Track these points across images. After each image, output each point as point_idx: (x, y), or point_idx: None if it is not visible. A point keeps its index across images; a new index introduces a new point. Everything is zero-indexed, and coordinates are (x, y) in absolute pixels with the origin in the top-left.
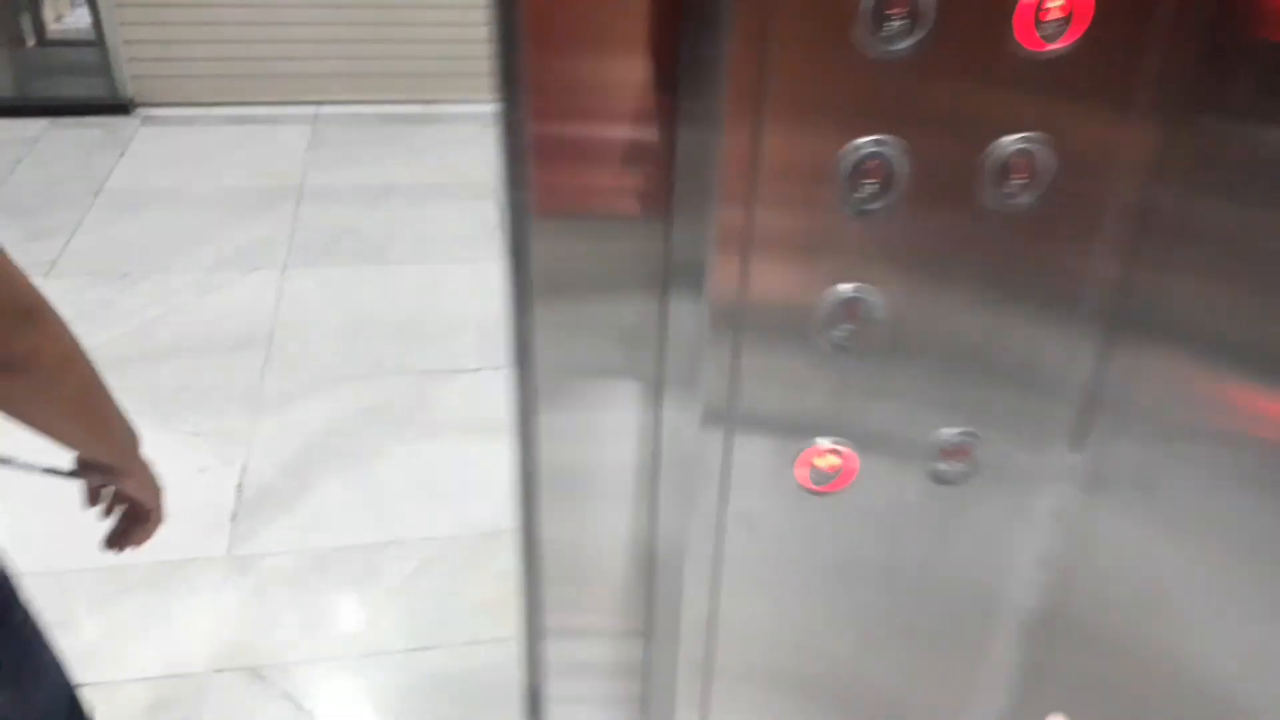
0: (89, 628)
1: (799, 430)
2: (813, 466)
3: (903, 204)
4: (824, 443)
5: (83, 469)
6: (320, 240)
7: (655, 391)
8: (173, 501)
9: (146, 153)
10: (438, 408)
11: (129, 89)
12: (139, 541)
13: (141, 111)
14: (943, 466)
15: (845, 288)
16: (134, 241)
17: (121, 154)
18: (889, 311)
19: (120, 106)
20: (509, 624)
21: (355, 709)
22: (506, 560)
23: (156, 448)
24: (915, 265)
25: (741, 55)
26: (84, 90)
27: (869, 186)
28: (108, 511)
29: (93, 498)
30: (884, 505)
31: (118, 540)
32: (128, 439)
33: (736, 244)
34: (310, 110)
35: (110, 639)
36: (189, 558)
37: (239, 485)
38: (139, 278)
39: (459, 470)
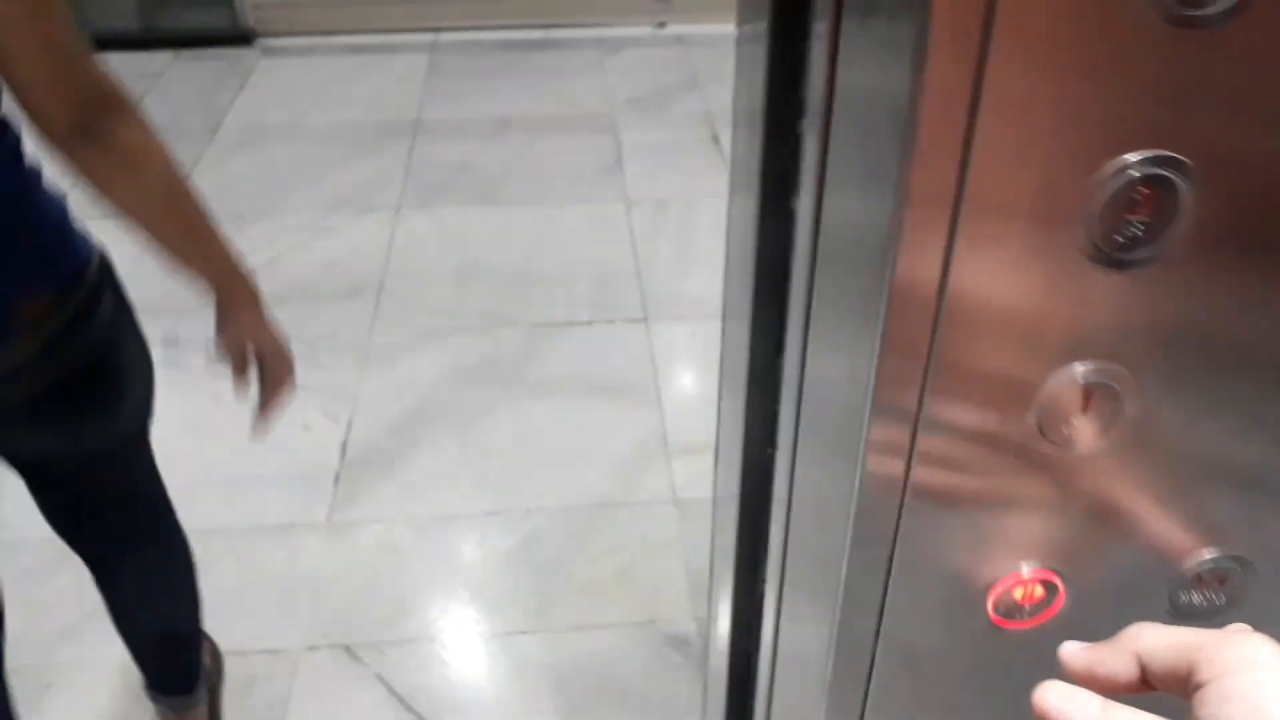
0: None
1: (996, 554)
2: (1008, 597)
3: (1180, 255)
4: (1028, 569)
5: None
6: (435, 178)
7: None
8: (276, 460)
9: (265, 86)
10: (548, 364)
11: (250, 19)
12: (276, 397)
13: (262, 43)
14: (1194, 598)
15: (1083, 368)
16: (250, 180)
17: (241, 87)
18: (1141, 402)
19: (242, 37)
20: (616, 610)
21: (448, 696)
22: (616, 536)
23: None
24: (1187, 342)
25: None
26: (207, 22)
27: (1134, 227)
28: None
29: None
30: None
31: (262, 408)
32: (228, 256)
33: (915, 297)
34: (428, 38)
35: (207, 608)
36: (289, 523)
37: (343, 444)
38: (253, 219)
39: (568, 435)
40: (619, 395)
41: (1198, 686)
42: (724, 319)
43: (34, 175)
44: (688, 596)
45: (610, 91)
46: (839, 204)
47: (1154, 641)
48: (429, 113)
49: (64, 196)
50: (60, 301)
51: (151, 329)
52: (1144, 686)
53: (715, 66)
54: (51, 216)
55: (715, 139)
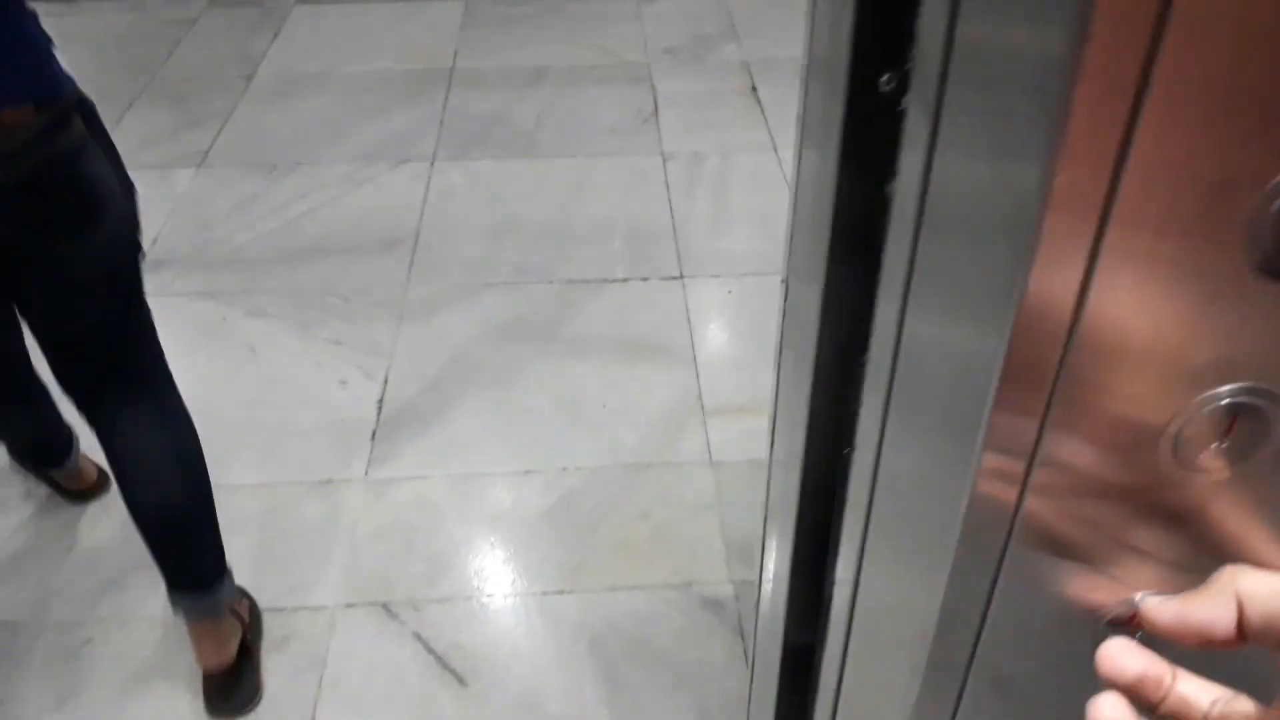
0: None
1: (1110, 583)
2: (1121, 627)
3: None
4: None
5: None
6: (469, 130)
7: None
8: (313, 416)
9: (299, 34)
10: (583, 322)
11: None
12: None
13: None
14: None
15: (1231, 390)
16: (283, 130)
17: (275, 35)
18: None
19: None
20: (652, 571)
21: (484, 654)
22: (652, 497)
23: (297, 357)
24: None
25: None
26: None
27: None
28: None
29: None
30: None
31: None
32: None
33: (1048, 312)
34: None
35: (245, 564)
36: (326, 478)
37: (380, 401)
38: (286, 170)
39: (604, 394)
40: (654, 354)
41: None
42: (787, 277)
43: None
44: (724, 560)
45: (646, 40)
46: (951, 176)
47: (1257, 585)
48: (464, 62)
49: (50, 41)
50: (36, 115)
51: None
52: (1238, 640)
53: (753, 16)
54: (35, 42)
55: (753, 90)
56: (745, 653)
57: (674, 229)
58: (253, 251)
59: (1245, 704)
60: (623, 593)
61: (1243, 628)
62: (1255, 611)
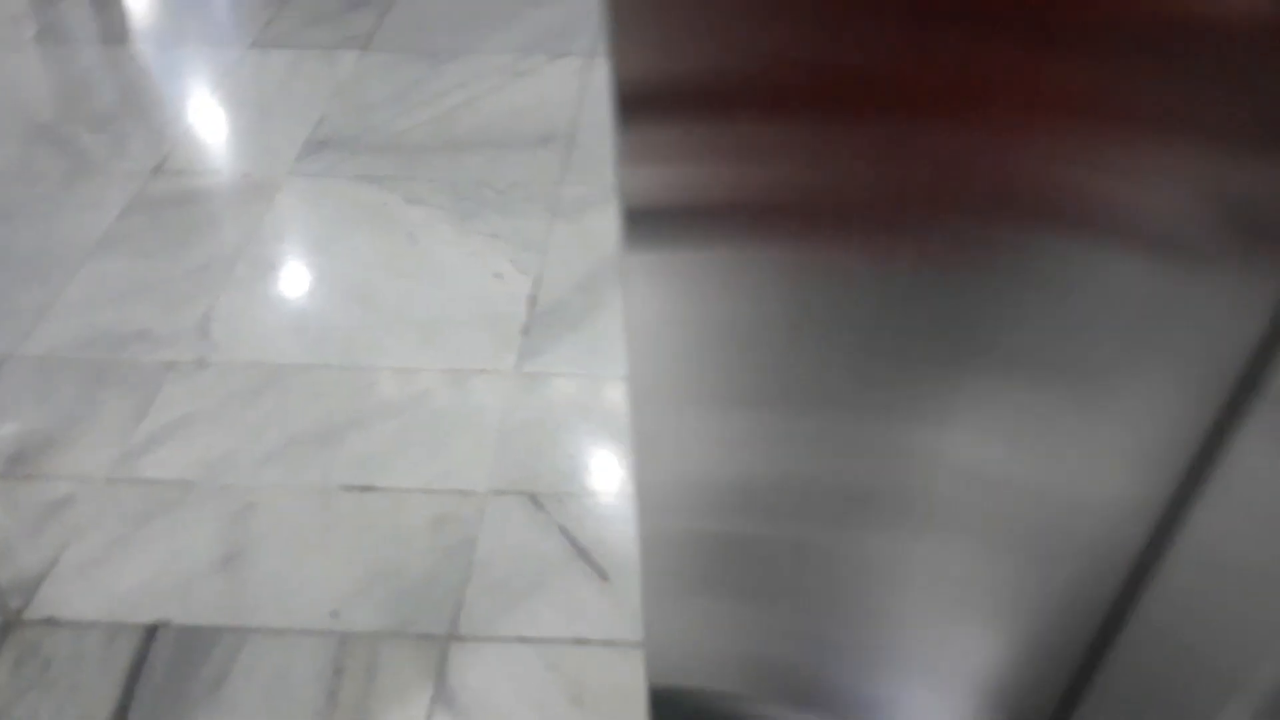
0: (382, 431)
1: None
2: None
3: None
4: None
5: None
6: None
7: None
8: (469, 306)
9: None
10: None
11: None
12: None
13: None
14: None
15: None
16: (447, 16)
17: None
18: None
19: None
20: None
21: (626, 553)
22: None
23: (455, 247)
24: None
25: None
26: None
27: None
28: None
29: None
30: None
31: None
32: None
33: None
34: None
35: (402, 445)
36: (479, 368)
37: (532, 296)
38: (447, 58)
39: None
40: None
41: None
42: None
43: None
44: None
45: None
46: None
47: None
48: None
49: None
50: None
51: None
52: None
53: None
54: None
55: None
56: None
57: None
58: (412, 139)
59: None
60: None
61: None
62: None
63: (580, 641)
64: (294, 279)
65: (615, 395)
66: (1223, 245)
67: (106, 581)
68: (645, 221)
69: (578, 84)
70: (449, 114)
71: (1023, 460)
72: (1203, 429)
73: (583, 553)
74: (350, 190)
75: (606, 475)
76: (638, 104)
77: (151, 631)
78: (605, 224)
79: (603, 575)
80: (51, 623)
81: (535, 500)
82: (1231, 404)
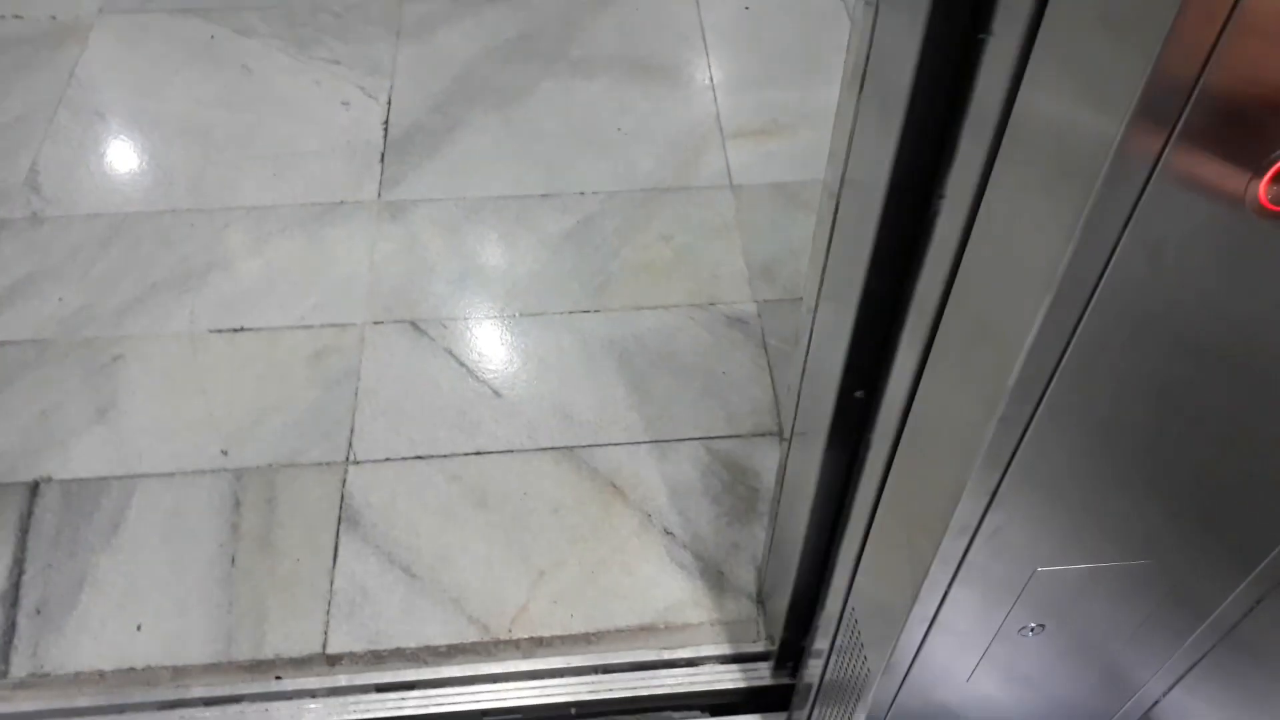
0: (246, 271)
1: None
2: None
3: None
4: None
5: None
6: None
7: None
8: (318, 137)
9: None
10: (591, 41)
11: None
12: None
13: None
14: None
15: None
16: None
17: None
18: None
19: None
20: (675, 291)
21: (515, 367)
22: (673, 220)
23: (296, 77)
24: None
25: None
26: None
27: None
28: None
29: None
30: None
31: None
32: None
33: None
34: None
35: (268, 283)
36: (340, 200)
37: (385, 122)
38: None
39: (618, 116)
40: (668, 74)
41: None
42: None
43: None
44: (746, 280)
45: None
46: None
47: None
48: None
49: None
50: None
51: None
52: None
53: None
54: None
55: None
56: (769, 366)
57: None
58: None
59: None
60: (648, 311)
61: None
62: None
63: (480, 453)
64: (123, 124)
65: (487, 216)
66: None
67: None
68: None
69: None
70: None
71: None
72: None
73: (471, 372)
74: (171, 25)
75: (487, 298)
76: None
77: (34, 488)
78: (455, 42)
79: (495, 392)
80: None
81: (416, 327)
82: None
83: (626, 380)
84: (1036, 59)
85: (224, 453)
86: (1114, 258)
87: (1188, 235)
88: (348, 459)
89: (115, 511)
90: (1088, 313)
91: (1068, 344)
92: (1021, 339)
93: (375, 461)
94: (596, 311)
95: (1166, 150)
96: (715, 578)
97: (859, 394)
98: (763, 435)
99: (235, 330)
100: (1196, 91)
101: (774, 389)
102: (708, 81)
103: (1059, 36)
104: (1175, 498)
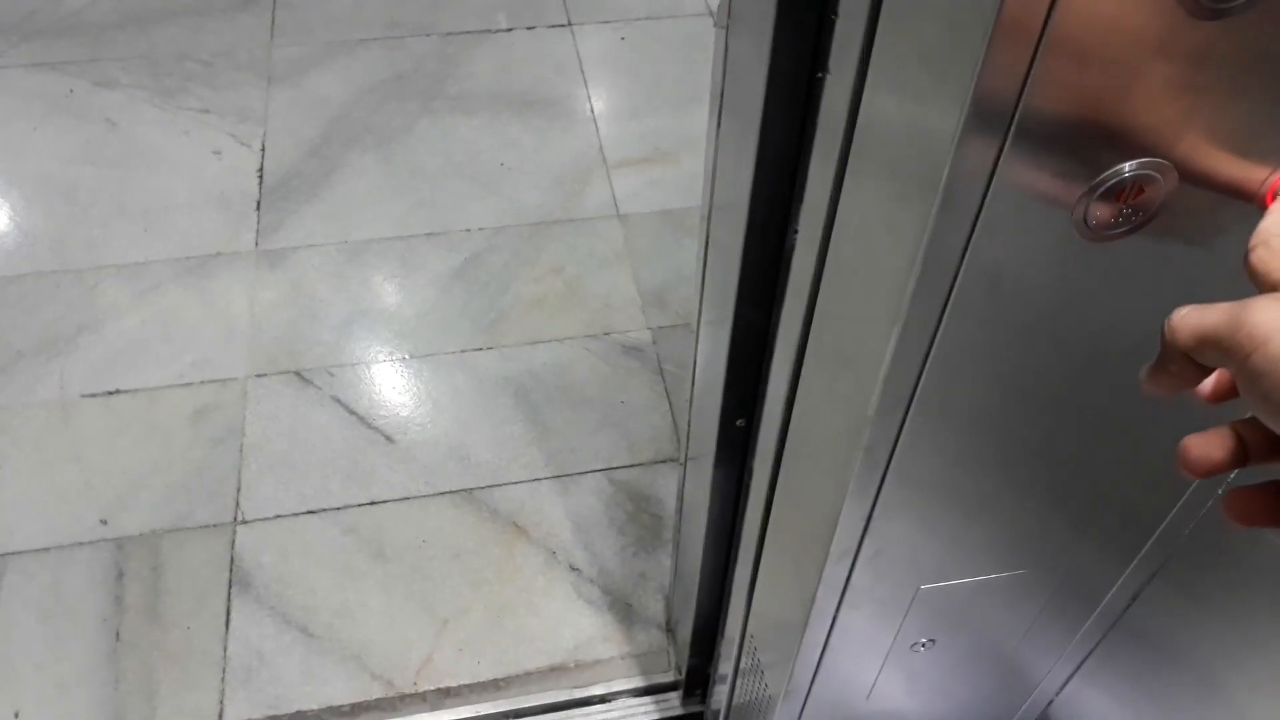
0: (118, 331)
1: (1104, 147)
2: (1107, 197)
3: None
4: (1132, 167)
5: None
6: None
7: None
8: (189, 189)
9: None
10: (469, 77)
11: None
12: None
13: None
14: None
15: None
16: None
17: None
18: None
19: None
20: (569, 323)
21: (408, 414)
22: (562, 252)
23: (163, 128)
24: None
25: None
26: None
27: None
28: None
29: None
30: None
31: None
32: None
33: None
34: None
35: (143, 343)
36: (216, 252)
37: (260, 169)
38: None
39: (500, 151)
40: (549, 108)
41: (1238, 368)
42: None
43: None
44: (640, 308)
45: None
46: None
47: (1186, 326)
48: None
49: None
50: None
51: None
52: (1201, 372)
53: None
54: None
55: None
56: (666, 392)
57: None
58: (93, 16)
59: None
60: (542, 345)
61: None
62: (1198, 355)
63: (375, 503)
64: None
65: (371, 258)
66: None
67: None
68: None
69: None
70: None
71: None
72: None
73: (362, 420)
74: (26, 81)
75: (374, 343)
76: None
77: None
78: (329, 84)
79: (388, 438)
80: None
81: (302, 376)
82: None
83: (524, 416)
84: (869, 96)
85: (103, 522)
86: (956, 285)
87: (1024, 258)
88: (236, 519)
89: None
90: (937, 340)
91: (921, 371)
92: (877, 369)
93: (265, 520)
94: (490, 349)
95: (995, 179)
96: (624, 610)
97: (740, 422)
98: (664, 462)
99: (110, 393)
100: (1018, 118)
101: (672, 415)
102: (589, 112)
103: (887, 74)
104: (1044, 507)
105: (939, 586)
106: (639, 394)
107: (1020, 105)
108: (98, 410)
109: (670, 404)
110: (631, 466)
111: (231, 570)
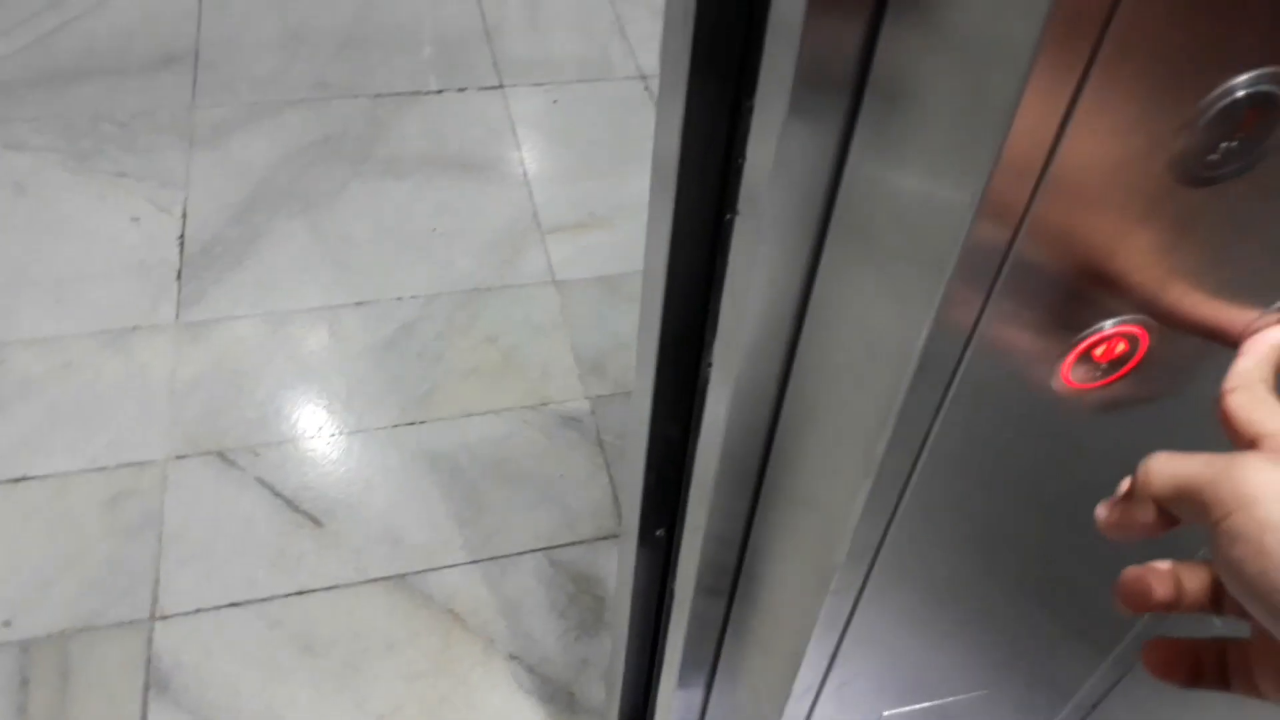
0: (26, 413)
1: (1083, 307)
2: (1088, 355)
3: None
4: (1112, 324)
5: None
6: None
7: None
8: (105, 258)
9: None
10: (398, 140)
11: None
12: None
13: None
14: None
15: (1246, 78)
16: None
17: None
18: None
19: None
20: (505, 394)
21: (337, 494)
22: (496, 320)
23: (76, 194)
24: None
25: None
26: None
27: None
28: None
29: None
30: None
31: None
32: None
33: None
34: None
35: (52, 424)
36: (134, 325)
37: (180, 236)
38: None
39: (431, 216)
40: (481, 172)
41: (1213, 525)
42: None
43: None
44: (577, 377)
45: None
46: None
47: (1162, 474)
48: None
49: None
50: None
51: None
52: (1169, 522)
53: None
54: None
55: None
56: (606, 464)
57: (487, 33)
58: (1, 74)
59: None
60: (477, 418)
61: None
62: (1171, 506)
63: (303, 592)
64: None
65: (297, 329)
66: None
67: None
68: None
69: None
70: (42, 41)
71: None
72: None
73: (289, 502)
74: None
75: (301, 419)
76: None
77: None
78: (254, 148)
79: (315, 521)
80: None
81: (224, 457)
82: None
83: (459, 494)
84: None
85: (6, 623)
86: (929, 440)
87: (1000, 414)
88: (153, 615)
89: None
90: (907, 493)
91: (891, 518)
92: (846, 519)
93: (184, 614)
94: (423, 423)
95: (971, 344)
96: (566, 700)
97: (660, 532)
98: (605, 538)
99: (15, 480)
100: (1002, 276)
101: (613, 488)
102: (522, 176)
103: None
104: (1008, 633)
105: (902, 712)
106: (578, 467)
107: (1005, 267)
108: (2, 499)
109: (610, 476)
110: (572, 545)
111: (148, 671)
